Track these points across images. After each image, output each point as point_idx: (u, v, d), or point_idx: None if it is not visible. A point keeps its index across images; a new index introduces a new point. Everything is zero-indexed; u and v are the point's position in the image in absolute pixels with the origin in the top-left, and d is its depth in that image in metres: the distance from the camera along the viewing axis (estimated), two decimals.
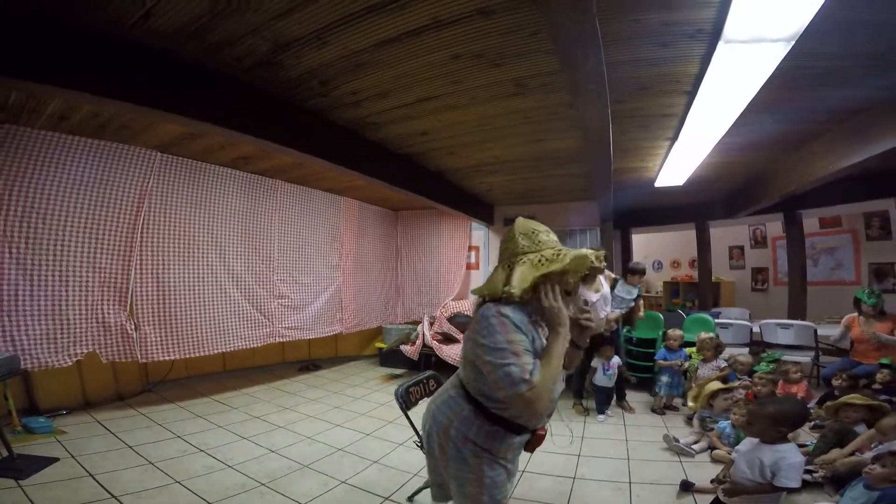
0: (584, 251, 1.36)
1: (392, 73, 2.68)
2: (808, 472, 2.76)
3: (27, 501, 2.46)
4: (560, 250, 1.37)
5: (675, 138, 3.85)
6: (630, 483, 2.88)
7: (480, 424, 1.36)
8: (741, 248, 8.51)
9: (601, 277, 4.10)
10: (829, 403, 3.37)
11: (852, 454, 2.67)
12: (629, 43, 2.31)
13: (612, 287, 4.36)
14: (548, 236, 1.42)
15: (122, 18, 2.12)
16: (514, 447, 1.43)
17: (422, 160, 4.45)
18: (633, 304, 5.19)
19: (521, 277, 1.31)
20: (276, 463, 3.22)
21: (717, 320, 5.43)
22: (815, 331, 4.88)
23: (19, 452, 2.98)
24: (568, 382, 5.18)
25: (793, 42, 2.22)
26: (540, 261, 1.33)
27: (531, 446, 1.48)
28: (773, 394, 3.58)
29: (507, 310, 1.28)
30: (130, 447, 3.34)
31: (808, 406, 3.80)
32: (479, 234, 6.98)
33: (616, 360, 4.19)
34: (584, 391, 4.49)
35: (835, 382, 3.65)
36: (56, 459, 3.02)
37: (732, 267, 8.59)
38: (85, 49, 2.21)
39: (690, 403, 3.89)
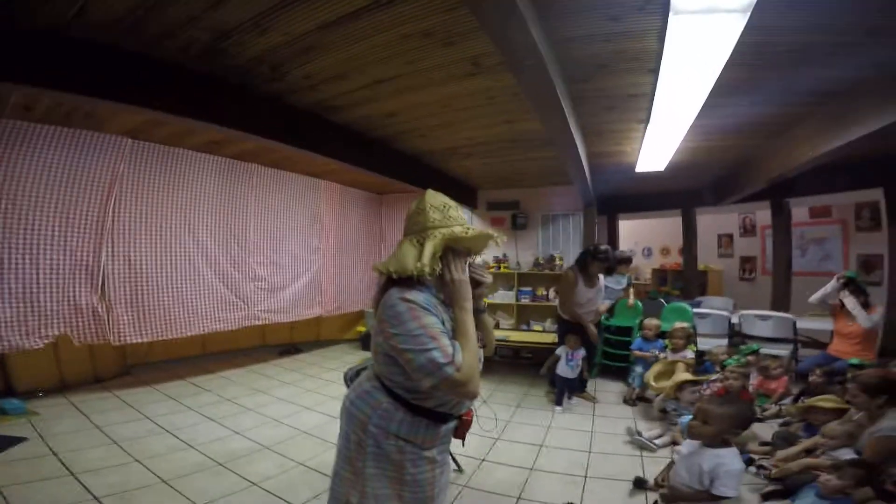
0: (490, 231, 1.38)
1: (342, 55, 2.63)
2: (760, 467, 2.74)
3: None
4: (469, 227, 1.35)
5: (647, 120, 3.76)
6: (585, 477, 2.84)
7: (402, 418, 1.28)
8: (730, 236, 8.39)
9: (599, 273, 4.24)
10: (798, 404, 3.33)
11: (802, 456, 2.61)
12: (577, 17, 2.22)
13: None
14: (457, 212, 1.38)
15: (60, 16, 2.15)
16: (441, 436, 1.35)
17: (394, 143, 4.39)
18: (621, 293, 5.25)
19: (433, 253, 1.26)
20: (238, 444, 3.26)
21: (695, 310, 5.37)
22: (794, 323, 4.82)
23: None
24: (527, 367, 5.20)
25: (748, 13, 2.13)
26: (451, 236, 1.29)
27: (460, 432, 1.41)
28: (745, 388, 3.52)
29: (411, 294, 1.23)
30: (99, 427, 3.39)
31: (784, 402, 3.76)
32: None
33: (581, 352, 4.12)
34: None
35: (811, 378, 3.55)
36: (24, 439, 3.07)
37: (721, 255, 8.48)
38: (34, 46, 2.25)
39: (651, 383, 3.84)
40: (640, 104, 3.47)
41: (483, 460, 3.08)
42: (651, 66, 2.82)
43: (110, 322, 4.13)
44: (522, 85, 2.55)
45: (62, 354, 4.22)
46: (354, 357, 6.11)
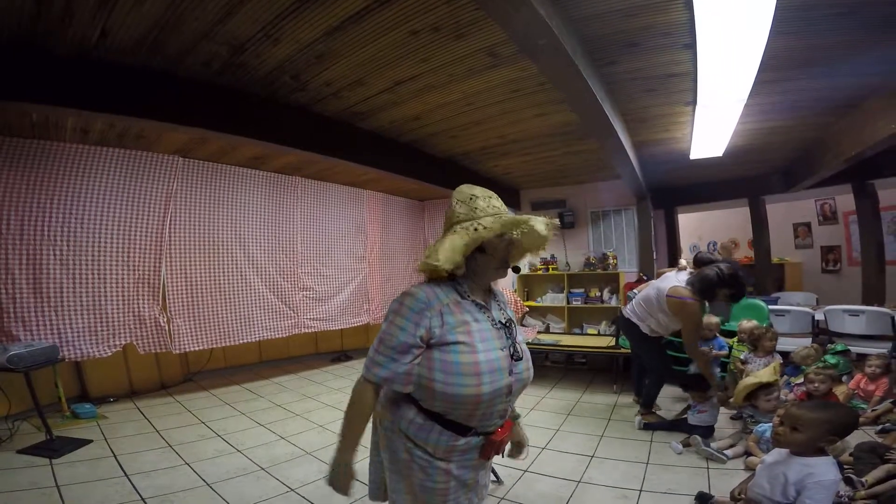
0: (525, 217, 1.20)
1: (355, 58, 2.64)
2: (848, 479, 2.35)
3: (51, 477, 2.71)
4: (500, 216, 1.21)
5: (694, 101, 3.47)
6: (640, 491, 2.59)
7: (412, 418, 1.21)
8: (808, 224, 7.53)
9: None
10: None
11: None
12: None
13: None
14: (487, 202, 1.24)
15: (85, 39, 2.29)
16: (459, 449, 1.22)
17: (425, 147, 4.37)
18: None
19: (451, 248, 1.15)
20: (282, 449, 3.31)
21: (772, 307, 4.85)
22: (893, 318, 4.21)
23: (63, 435, 3.32)
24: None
25: None
26: (476, 228, 1.17)
27: (485, 452, 1.26)
28: (830, 392, 3.10)
29: (420, 288, 1.19)
30: (158, 431, 3.60)
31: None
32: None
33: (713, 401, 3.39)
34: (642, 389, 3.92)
35: None
36: (89, 441, 3.31)
37: (799, 246, 7.64)
38: (66, 69, 2.42)
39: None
40: (682, 84, 3.21)
41: (525, 471, 2.92)
42: (686, 40, 2.59)
43: (171, 332, 4.42)
44: (543, 70, 2.41)
45: (131, 363, 4.56)
46: None
